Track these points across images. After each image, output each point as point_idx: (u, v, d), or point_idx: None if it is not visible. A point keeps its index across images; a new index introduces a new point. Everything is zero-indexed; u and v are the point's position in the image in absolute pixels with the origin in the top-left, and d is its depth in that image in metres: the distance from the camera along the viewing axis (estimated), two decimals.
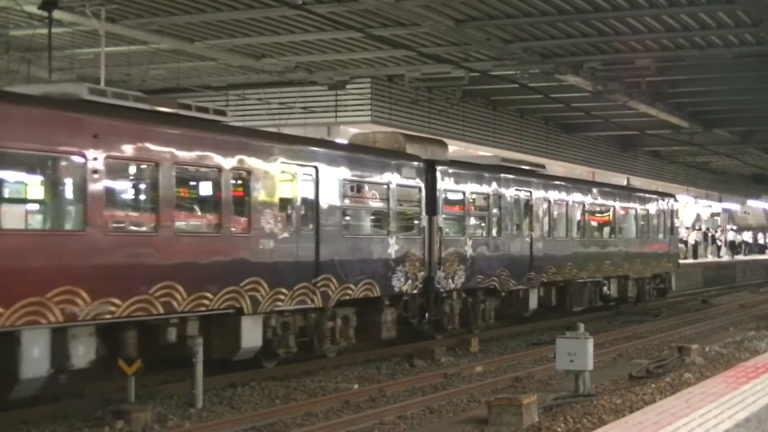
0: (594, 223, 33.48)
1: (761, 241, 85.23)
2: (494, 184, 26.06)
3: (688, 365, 20.53)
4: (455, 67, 27.70)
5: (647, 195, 38.11)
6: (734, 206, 78.86)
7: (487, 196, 25.80)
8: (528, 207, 27.81)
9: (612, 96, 31.81)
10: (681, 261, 59.59)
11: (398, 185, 22.23)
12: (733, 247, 74.60)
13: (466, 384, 18.68)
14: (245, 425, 14.62)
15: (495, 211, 26.16)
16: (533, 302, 27.73)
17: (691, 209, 72.67)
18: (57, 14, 21.49)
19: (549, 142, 41.79)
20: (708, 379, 15.56)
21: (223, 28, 24.65)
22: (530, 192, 27.83)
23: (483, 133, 36.49)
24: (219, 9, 22.67)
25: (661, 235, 38.19)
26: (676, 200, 40.98)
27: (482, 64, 27.98)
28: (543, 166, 30.83)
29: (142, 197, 16.82)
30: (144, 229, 16.28)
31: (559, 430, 14.02)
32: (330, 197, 19.93)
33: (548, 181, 29.68)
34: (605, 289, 32.93)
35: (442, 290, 23.55)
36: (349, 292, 20.44)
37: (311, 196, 19.51)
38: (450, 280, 23.81)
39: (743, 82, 31.61)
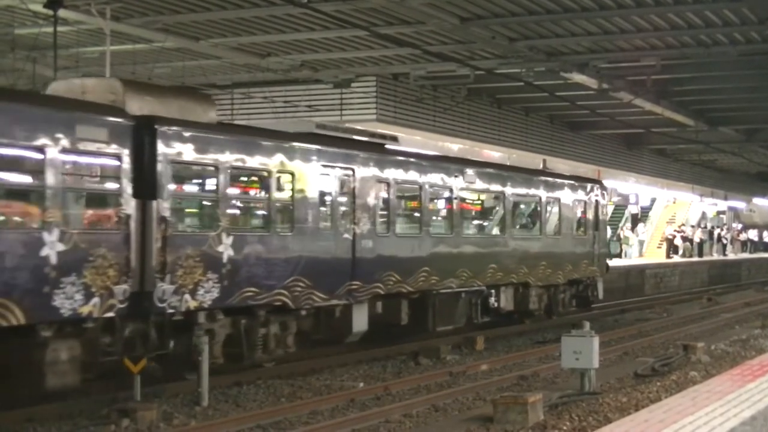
0: (471, 215, 26.83)
1: (767, 239, 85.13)
2: (281, 157, 18.72)
3: (694, 363, 20.52)
4: (460, 65, 27.69)
5: (558, 180, 30.11)
6: (740, 204, 78.82)
7: (267, 174, 18.48)
8: (349, 191, 20.60)
9: (617, 94, 31.78)
10: (687, 259, 59.83)
11: (75, 152, 15.18)
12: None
13: (472, 382, 18.69)
14: (251, 423, 14.64)
15: (281, 195, 19.04)
16: (360, 322, 20.84)
17: (696, 207, 72.64)
18: (62, 13, 21.52)
19: (554, 140, 41.75)
20: (714, 377, 15.55)
21: (228, 27, 24.66)
22: (352, 170, 20.62)
23: (488, 132, 36.47)
24: (224, 7, 22.68)
25: (580, 232, 30.83)
26: (603, 188, 32.90)
27: (487, 62, 27.96)
28: (395, 138, 23.89)
29: None
30: None
31: (565, 428, 14.02)
32: None
33: (386, 156, 22.07)
34: (492, 300, 25.91)
35: (170, 311, 16.35)
36: None
37: None
38: (187, 296, 16.59)
39: (749, 80, 31.58)
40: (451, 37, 25.41)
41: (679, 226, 67.97)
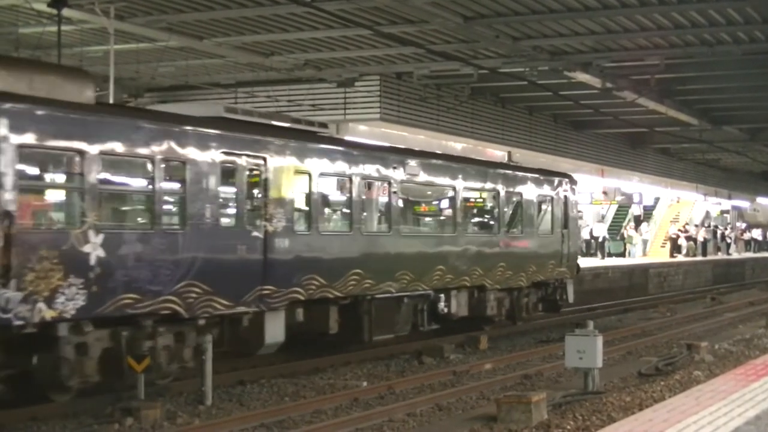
0: (414, 211, 24.21)
1: None
2: (169, 143, 16.28)
3: (698, 363, 20.51)
4: (464, 64, 27.68)
5: (520, 173, 27.56)
6: (744, 203, 78.77)
7: (150, 162, 15.96)
8: (260, 183, 18.24)
9: (621, 93, 31.76)
10: (691, 259, 59.80)
11: None
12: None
13: (475, 381, 18.69)
14: (254, 422, 14.64)
15: (170, 186, 16.65)
16: (275, 333, 18.33)
17: (700, 206, 72.59)
18: (66, 12, 21.54)
19: (558, 139, 41.73)
20: (717, 376, 15.55)
21: (232, 26, 24.67)
22: (263, 159, 18.25)
23: (492, 131, 36.46)
24: (228, 6, 22.69)
25: (547, 230, 28.28)
26: (572, 182, 30.02)
27: (491, 61, 27.96)
28: (324, 125, 21.22)
29: None
30: None
31: (569, 427, 14.01)
32: None
33: (308, 144, 19.61)
34: (442, 305, 23.47)
35: (19, 323, 13.91)
36: None
37: None
38: (41, 305, 14.10)
39: (753, 80, 31.56)
40: (454, 37, 25.41)
41: (683, 226, 67.95)
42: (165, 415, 14.83)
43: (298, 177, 19.17)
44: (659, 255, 63.05)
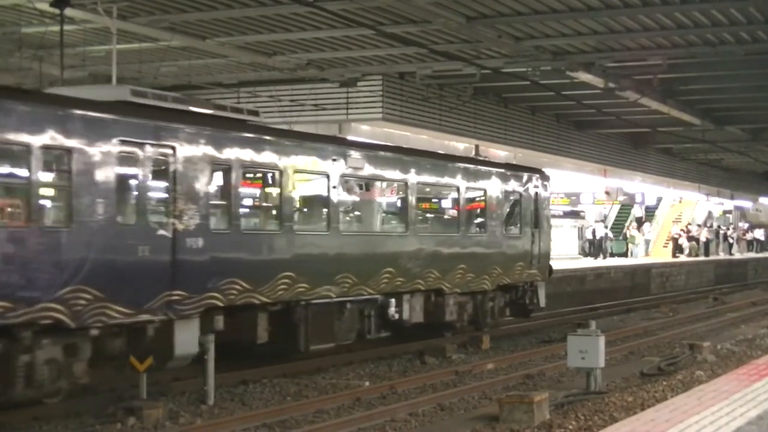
0: (358, 208, 22.05)
1: None
2: (50, 130, 14.38)
3: (700, 363, 20.51)
4: (466, 64, 27.66)
5: (483, 168, 25.48)
6: (746, 203, 78.73)
7: (26, 151, 14.02)
8: (168, 175, 16.28)
9: (623, 93, 31.73)
10: (693, 259, 59.78)
11: None
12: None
13: (478, 381, 18.70)
14: (256, 422, 14.65)
15: (51, 179, 14.86)
16: (186, 343, 16.26)
17: (702, 206, 72.55)
18: (69, 12, 21.53)
19: (560, 139, 41.70)
20: (720, 376, 15.57)
21: (234, 26, 24.66)
22: (172, 148, 16.21)
23: (494, 131, 36.43)
24: (230, 6, 22.68)
25: (514, 229, 26.34)
26: (544, 178, 28.14)
27: (493, 61, 27.94)
28: (255, 113, 19.22)
29: None
30: None
31: (571, 427, 14.01)
32: None
33: (227, 132, 17.58)
34: (392, 311, 21.61)
35: None
36: None
37: None
38: None
39: (755, 80, 31.53)
40: (457, 36, 25.40)
41: (686, 226, 67.93)
42: (167, 415, 14.84)
43: (216, 169, 17.25)
44: (662, 255, 63.05)
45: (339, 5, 21.47)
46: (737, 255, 71.17)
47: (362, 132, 31.09)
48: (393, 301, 21.57)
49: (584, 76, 28.58)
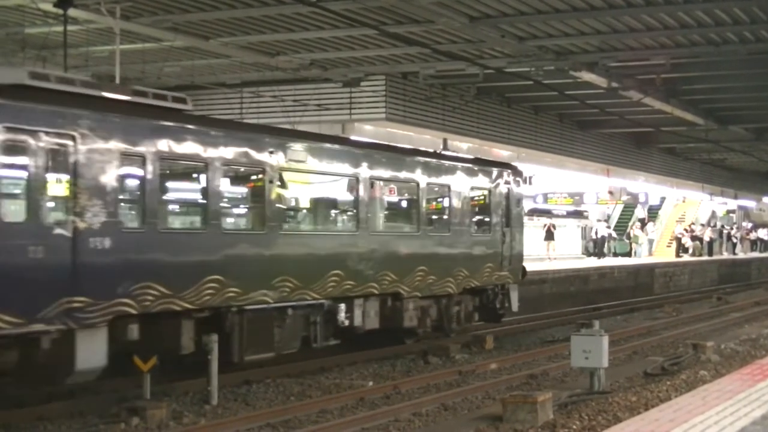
0: (300, 205, 20.27)
1: None
2: None
3: (704, 362, 20.49)
4: (470, 64, 27.66)
5: (446, 162, 23.67)
6: (750, 203, 78.68)
7: None
8: (67, 168, 14.49)
9: (627, 93, 31.73)
10: (697, 258, 59.74)
11: None
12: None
13: (481, 381, 18.70)
14: (260, 422, 14.65)
15: None
16: (91, 355, 14.58)
17: (706, 206, 72.51)
18: (72, 12, 21.54)
19: (564, 139, 41.69)
20: (724, 376, 15.55)
21: (237, 26, 24.68)
22: (71, 137, 14.51)
23: (498, 131, 36.43)
24: (234, 6, 22.69)
25: (482, 228, 24.59)
26: (516, 174, 26.26)
27: (497, 61, 27.93)
28: (183, 100, 17.17)
29: None
30: None
31: (575, 427, 14.00)
32: None
33: (144, 120, 15.83)
34: (342, 317, 19.78)
35: None
36: None
37: None
38: None
39: (759, 79, 31.49)
40: (460, 36, 25.40)
41: (689, 225, 67.89)
42: (171, 415, 14.85)
43: (127, 161, 15.43)
44: (665, 255, 63.03)
45: (342, 5, 21.47)
46: (741, 255, 71.12)
47: (366, 132, 31.09)
48: (343, 306, 19.75)
49: (587, 76, 28.58)
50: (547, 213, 56.93)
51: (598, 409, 15.23)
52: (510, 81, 30.65)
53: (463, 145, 35.80)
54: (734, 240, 73.26)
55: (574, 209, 59.76)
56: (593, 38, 25.71)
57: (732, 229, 75.36)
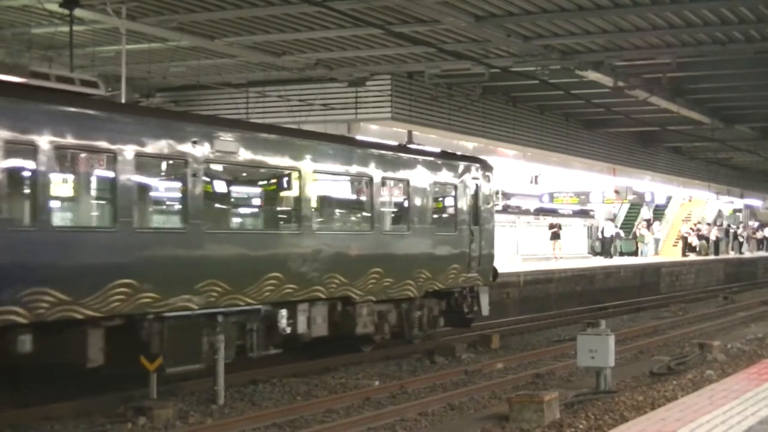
0: (230, 201, 18.26)
1: None
2: None
3: (710, 362, 20.48)
4: (475, 63, 27.63)
5: (404, 156, 22.12)
6: (756, 202, 78.56)
7: None
8: None
9: (632, 92, 31.69)
10: (703, 258, 59.67)
11: None
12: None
13: (487, 381, 18.69)
14: (266, 422, 14.66)
15: None
16: None
17: (712, 205, 72.40)
18: (78, 12, 21.57)
19: (569, 138, 41.65)
20: (730, 375, 15.53)
21: (243, 25, 24.68)
22: None
23: (503, 130, 36.41)
24: (239, 6, 22.69)
25: (447, 227, 23.09)
26: (485, 168, 24.85)
27: (502, 60, 27.91)
28: (94, 85, 15.94)
29: None
30: None
31: (581, 427, 13.99)
32: None
33: (35, 105, 14.17)
34: (283, 324, 18.17)
35: None
36: None
37: None
38: None
39: (765, 78, 31.43)
40: (465, 36, 25.38)
41: (695, 224, 67.81)
42: (177, 415, 14.87)
43: (13, 151, 13.77)
44: (671, 254, 62.97)
45: (348, 5, 21.46)
46: (747, 254, 71.03)
47: (371, 131, 31.08)
48: (284, 312, 18.11)
49: (593, 75, 28.54)
50: (553, 212, 56.93)
51: (604, 408, 15.21)
52: (516, 80, 30.63)
53: (469, 145, 35.82)
54: (740, 239, 73.15)
55: (580, 209, 59.69)
56: (599, 37, 25.68)
57: (738, 228, 75.26)
